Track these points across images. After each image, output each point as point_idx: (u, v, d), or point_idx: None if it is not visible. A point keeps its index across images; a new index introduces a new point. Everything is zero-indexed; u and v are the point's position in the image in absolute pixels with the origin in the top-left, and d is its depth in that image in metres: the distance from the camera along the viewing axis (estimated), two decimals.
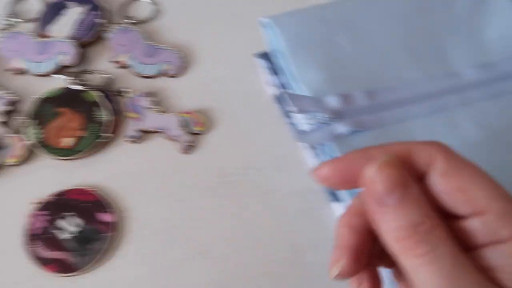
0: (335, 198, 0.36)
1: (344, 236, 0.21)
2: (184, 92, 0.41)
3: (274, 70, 0.39)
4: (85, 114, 0.37)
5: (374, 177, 0.19)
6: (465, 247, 0.19)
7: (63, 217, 0.34)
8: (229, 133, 0.39)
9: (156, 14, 0.44)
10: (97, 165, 0.37)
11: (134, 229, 0.35)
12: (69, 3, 0.42)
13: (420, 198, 0.19)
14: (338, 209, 0.35)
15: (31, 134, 0.37)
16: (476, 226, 0.19)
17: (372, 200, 0.19)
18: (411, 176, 0.19)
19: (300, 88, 0.37)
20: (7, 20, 0.42)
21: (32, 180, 0.36)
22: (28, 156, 0.36)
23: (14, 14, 0.43)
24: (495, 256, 0.18)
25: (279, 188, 0.37)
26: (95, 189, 0.36)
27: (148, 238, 0.35)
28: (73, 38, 0.40)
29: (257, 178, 0.37)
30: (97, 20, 0.41)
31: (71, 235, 0.34)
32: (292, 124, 0.39)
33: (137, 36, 0.42)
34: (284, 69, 0.38)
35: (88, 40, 0.41)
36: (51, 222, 0.34)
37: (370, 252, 0.22)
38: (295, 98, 0.35)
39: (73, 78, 0.39)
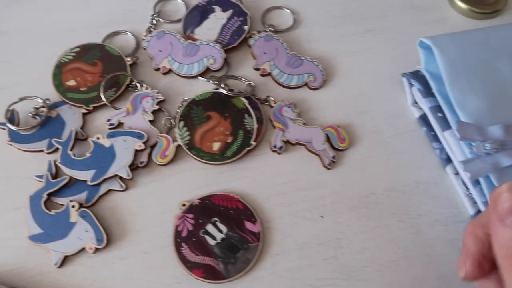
0: None
1: (469, 243, 0.24)
2: (324, 105, 0.40)
3: (424, 91, 0.38)
4: (233, 120, 0.37)
5: (503, 195, 0.21)
6: None
7: (211, 222, 0.34)
8: (371, 151, 0.38)
9: (296, 24, 0.44)
10: (241, 172, 0.37)
11: (277, 241, 0.34)
12: (214, 7, 0.43)
13: None
14: None
15: (180, 136, 0.37)
16: None
17: (495, 215, 0.21)
18: None
19: (455, 114, 0.35)
20: (154, 20, 0.43)
21: (178, 181, 0.36)
22: (175, 157, 0.37)
23: (157, 14, 0.43)
24: None
25: (423, 214, 0.36)
26: (239, 196, 0.35)
27: (292, 252, 0.34)
28: (219, 42, 0.41)
29: (400, 201, 0.36)
30: (243, 27, 0.42)
31: (217, 241, 0.34)
32: (441, 149, 0.37)
33: (279, 45, 0.41)
34: (436, 91, 0.37)
35: (233, 45, 0.41)
36: (199, 226, 0.34)
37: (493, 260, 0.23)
38: (460, 124, 0.33)
39: (218, 82, 0.39)
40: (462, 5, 0.45)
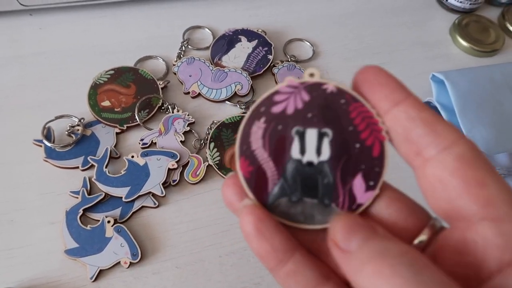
0: None
1: None
2: None
3: None
4: None
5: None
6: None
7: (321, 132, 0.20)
8: (388, 175, 0.41)
9: (316, 55, 0.47)
10: None
11: None
12: (240, 37, 0.46)
13: None
14: None
15: (210, 156, 0.39)
16: (485, 234, 0.16)
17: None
18: None
19: None
20: (183, 46, 0.45)
21: (208, 199, 0.38)
22: (205, 176, 0.39)
23: (186, 41, 0.46)
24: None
25: None
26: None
27: None
28: (245, 70, 0.43)
29: None
30: (268, 56, 0.45)
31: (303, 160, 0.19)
32: None
33: (301, 74, 0.44)
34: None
35: (259, 73, 0.44)
36: (303, 120, 0.20)
37: None
38: None
39: (245, 107, 0.42)
40: (464, 43, 0.50)
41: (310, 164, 0.19)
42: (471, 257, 0.16)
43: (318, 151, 0.19)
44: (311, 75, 0.20)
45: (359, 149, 0.19)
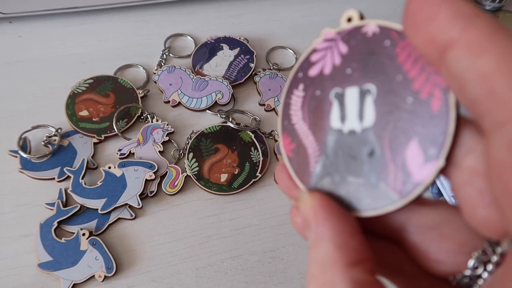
0: None
1: None
2: None
3: None
4: (240, 153, 0.39)
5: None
6: None
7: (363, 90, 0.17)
8: None
9: None
10: (246, 203, 0.38)
11: (281, 270, 0.36)
12: (222, 45, 0.45)
13: None
14: None
15: (189, 167, 0.38)
16: None
17: None
18: None
19: None
20: (164, 54, 0.45)
21: (186, 210, 0.37)
22: (183, 187, 0.38)
23: (168, 49, 0.46)
24: None
25: None
26: None
27: (295, 280, 0.35)
28: (226, 78, 0.43)
29: None
30: (250, 64, 0.44)
31: (343, 129, 0.17)
32: (432, 184, 0.40)
33: (283, 82, 0.44)
34: None
35: (240, 82, 0.43)
36: (342, 76, 0.17)
37: None
38: None
39: (226, 116, 0.41)
40: None
41: (352, 133, 0.16)
42: None
43: (361, 116, 0.15)
44: (349, 19, 0.16)
45: (412, 105, 0.14)
